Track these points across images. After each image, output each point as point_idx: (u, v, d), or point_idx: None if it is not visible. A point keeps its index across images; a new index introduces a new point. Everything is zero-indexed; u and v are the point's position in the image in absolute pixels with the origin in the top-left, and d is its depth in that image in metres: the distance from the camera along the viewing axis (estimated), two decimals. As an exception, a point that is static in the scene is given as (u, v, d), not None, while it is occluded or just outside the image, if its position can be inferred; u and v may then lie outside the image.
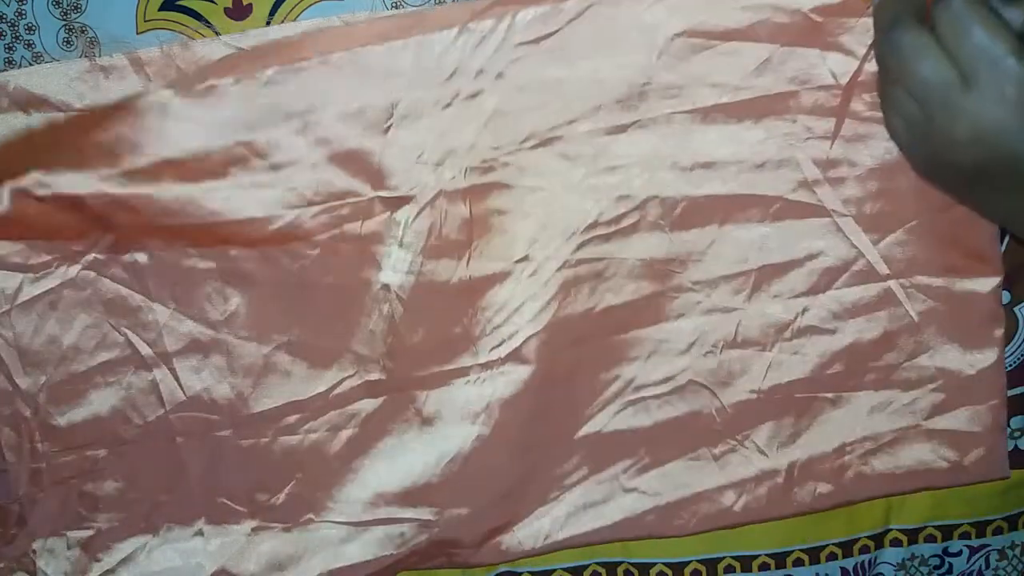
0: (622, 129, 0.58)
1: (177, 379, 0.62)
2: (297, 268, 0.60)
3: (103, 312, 0.61)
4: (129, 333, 0.61)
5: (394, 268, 0.61)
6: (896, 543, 0.69)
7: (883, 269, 0.60)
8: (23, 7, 0.59)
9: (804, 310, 0.61)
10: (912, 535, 0.69)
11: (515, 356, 0.61)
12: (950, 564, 0.71)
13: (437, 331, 0.62)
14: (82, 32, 0.59)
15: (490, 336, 0.61)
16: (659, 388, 0.62)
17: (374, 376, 0.62)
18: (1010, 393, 0.64)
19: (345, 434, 0.63)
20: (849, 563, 0.70)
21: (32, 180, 0.57)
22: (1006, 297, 0.64)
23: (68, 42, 0.59)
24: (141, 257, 0.60)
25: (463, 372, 0.62)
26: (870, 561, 0.70)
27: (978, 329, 0.61)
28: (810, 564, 0.69)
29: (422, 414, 0.63)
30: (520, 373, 0.61)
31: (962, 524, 0.69)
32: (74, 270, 0.60)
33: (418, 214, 0.60)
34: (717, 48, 0.57)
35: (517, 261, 0.60)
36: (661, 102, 0.58)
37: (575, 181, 0.59)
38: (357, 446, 0.63)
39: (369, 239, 0.60)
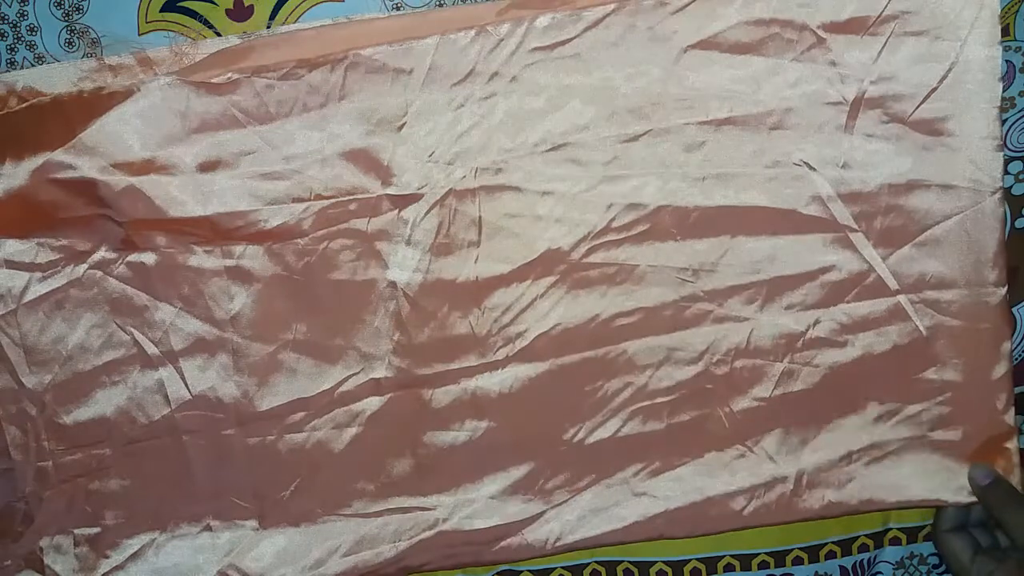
0: (635, 137, 0.59)
1: (183, 378, 0.62)
2: (302, 265, 0.60)
3: (109, 311, 0.61)
4: (135, 332, 0.61)
5: (401, 266, 0.61)
6: (895, 542, 0.69)
7: (893, 284, 0.60)
8: (25, 8, 0.59)
9: (815, 322, 0.61)
10: (912, 534, 0.69)
11: (522, 356, 0.62)
12: (950, 563, 0.71)
13: (444, 329, 0.62)
14: (84, 33, 0.59)
15: (497, 336, 0.62)
16: (670, 395, 0.62)
17: (380, 374, 0.62)
18: (1012, 392, 0.64)
19: (351, 431, 0.63)
20: (848, 562, 0.70)
21: (55, 162, 0.58)
22: (1006, 298, 0.64)
23: (70, 43, 0.59)
24: (147, 257, 0.60)
25: (470, 371, 0.62)
26: (869, 560, 0.70)
27: (986, 344, 0.61)
28: (809, 563, 0.70)
29: (428, 412, 0.63)
30: (527, 372, 0.62)
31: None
32: (80, 269, 0.60)
33: (427, 212, 0.60)
34: (729, 61, 0.57)
35: (526, 263, 0.60)
36: (674, 112, 0.58)
37: (587, 187, 0.59)
38: (363, 443, 0.63)
39: (376, 236, 0.60)
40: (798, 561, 0.70)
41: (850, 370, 0.62)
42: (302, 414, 0.63)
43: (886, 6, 0.57)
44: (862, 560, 0.70)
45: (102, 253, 0.60)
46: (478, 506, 0.64)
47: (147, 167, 0.58)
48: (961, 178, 0.58)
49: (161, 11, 0.59)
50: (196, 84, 0.57)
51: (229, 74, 0.57)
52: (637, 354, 0.62)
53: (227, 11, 0.59)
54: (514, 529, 0.64)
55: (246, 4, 0.59)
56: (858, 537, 0.69)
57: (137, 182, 0.58)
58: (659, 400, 0.62)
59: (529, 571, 0.69)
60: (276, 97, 0.58)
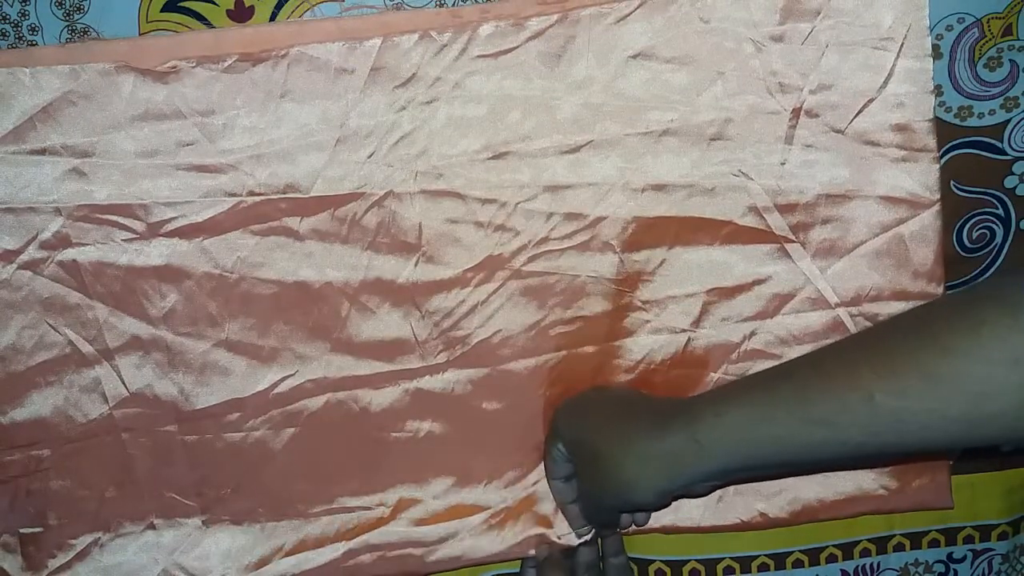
0: (575, 148, 0.59)
1: (120, 376, 0.61)
2: (232, 263, 0.60)
3: (41, 311, 0.60)
4: (69, 331, 0.60)
5: (337, 265, 0.60)
6: (899, 548, 0.69)
7: (832, 297, 0.61)
8: (26, 8, 0.58)
9: (752, 334, 0.62)
10: (915, 540, 0.69)
11: (463, 361, 0.62)
12: (955, 571, 0.70)
13: (382, 331, 0.62)
14: (84, 33, 0.59)
15: (437, 340, 0.62)
16: None
17: (317, 374, 0.62)
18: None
19: (289, 432, 0.63)
20: (849, 566, 0.70)
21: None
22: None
23: (71, 43, 0.60)
24: (78, 254, 0.59)
25: (410, 373, 0.62)
26: (872, 566, 0.70)
27: None
28: (810, 566, 0.69)
29: (369, 413, 0.63)
30: (469, 377, 0.62)
31: (965, 527, 0.69)
32: (9, 270, 0.59)
33: (366, 212, 0.60)
34: (670, 72, 0.58)
35: (468, 269, 0.61)
36: (615, 123, 0.59)
37: (527, 196, 0.60)
38: (302, 443, 0.63)
39: (308, 235, 0.60)
40: (798, 564, 0.69)
41: None
42: (238, 414, 0.62)
43: (821, 14, 0.57)
44: (864, 565, 0.70)
45: (31, 252, 0.59)
46: (421, 508, 0.64)
47: (88, 151, 0.58)
48: (899, 189, 0.59)
49: (162, 11, 0.59)
50: (141, 71, 0.57)
51: (173, 62, 0.57)
52: (574, 362, 0.62)
53: (228, 11, 0.59)
54: (459, 532, 0.64)
55: (247, 4, 0.59)
56: (860, 541, 0.69)
57: (80, 164, 0.58)
58: None
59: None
60: (218, 89, 0.58)
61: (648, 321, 0.62)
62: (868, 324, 0.61)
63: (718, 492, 0.64)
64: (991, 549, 0.70)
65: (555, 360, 0.62)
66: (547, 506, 0.64)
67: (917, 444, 0.45)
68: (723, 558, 0.69)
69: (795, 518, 0.64)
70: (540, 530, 0.64)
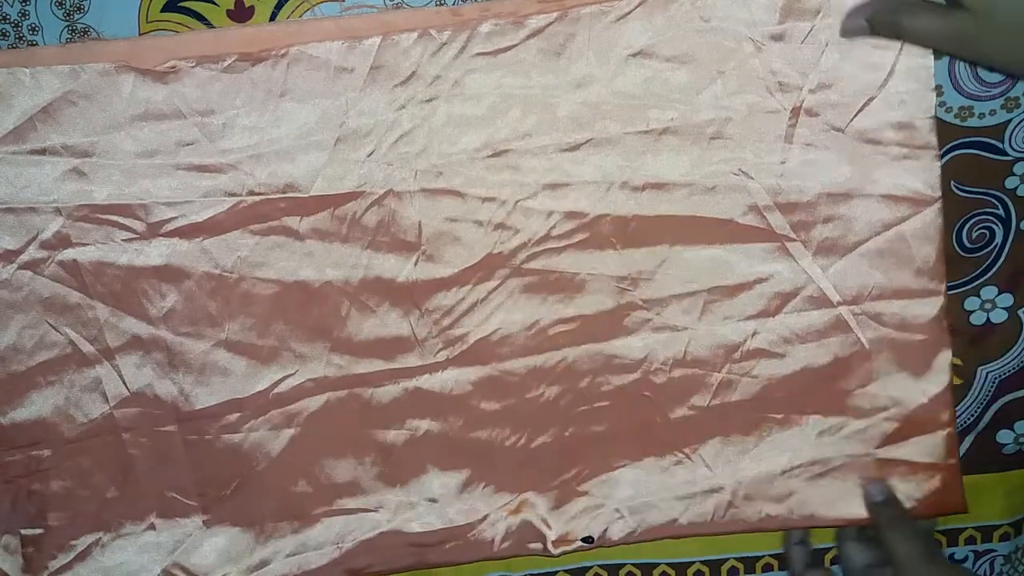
0: (575, 146, 0.59)
1: (120, 375, 0.61)
2: (232, 263, 0.60)
3: (41, 311, 0.60)
4: (69, 331, 0.60)
5: (337, 264, 0.60)
6: None
7: (834, 296, 0.61)
8: (27, 8, 0.59)
9: (754, 333, 0.62)
10: None
11: (462, 360, 0.62)
12: (955, 570, 0.70)
13: (382, 329, 0.62)
14: (84, 33, 0.60)
15: (437, 338, 0.62)
16: (608, 401, 0.63)
17: (317, 374, 0.62)
18: (1013, 397, 0.65)
19: (288, 432, 0.63)
20: None
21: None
22: (1009, 300, 0.64)
23: (71, 43, 0.60)
24: (79, 254, 0.59)
25: (409, 372, 0.62)
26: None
27: (926, 355, 0.61)
28: None
29: (369, 412, 0.63)
30: (468, 376, 0.62)
31: (967, 528, 0.68)
32: (9, 270, 0.59)
33: (366, 210, 0.60)
34: (670, 71, 0.58)
35: (467, 267, 0.61)
36: (614, 122, 0.59)
37: (527, 194, 0.60)
38: (302, 444, 0.63)
39: (308, 234, 0.60)
40: (801, 564, 0.69)
41: (790, 382, 0.62)
42: (238, 415, 0.62)
43: (821, 12, 0.57)
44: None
45: (31, 252, 0.59)
46: (421, 508, 0.64)
47: (88, 151, 0.58)
48: (900, 187, 0.59)
49: (162, 11, 0.59)
50: (141, 71, 0.57)
51: (173, 62, 0.57)
52: (576, 361, 0.62)
53: (228, 11, 0.59)
54: (458, 532, 0.64)
55: (247, 4, 0.59)
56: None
57: (80, 164, 0.58)
58: (598, 405, 0.63)
59: (531, 574, 0.68)
60: (218, 89, 0.58)
61: (649, 320, 0.62)
62: (871, 323, 0.61)
63: (727, 499, 0.64)
64: (993, 550, 0.70)
65: (555, 359, 0.62)
66: (544, 507, 0.64)
67: None
68: (727, 559, 0.69)
69: (804, 520, 0.64)
70: (538, 530, 0.64)
